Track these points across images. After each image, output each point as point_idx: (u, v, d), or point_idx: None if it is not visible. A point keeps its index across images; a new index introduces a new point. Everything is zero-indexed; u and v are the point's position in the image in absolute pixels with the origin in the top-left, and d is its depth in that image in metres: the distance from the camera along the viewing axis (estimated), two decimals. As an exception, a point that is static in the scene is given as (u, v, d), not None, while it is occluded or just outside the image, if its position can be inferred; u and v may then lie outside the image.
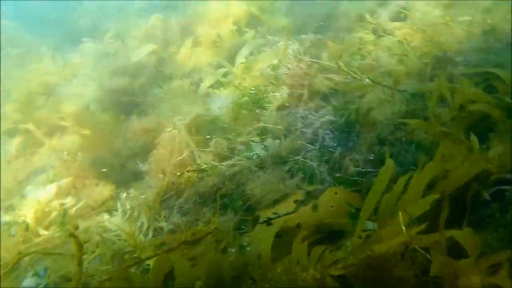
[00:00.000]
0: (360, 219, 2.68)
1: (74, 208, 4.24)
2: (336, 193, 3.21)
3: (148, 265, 3.10)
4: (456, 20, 4.64)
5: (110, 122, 5.21)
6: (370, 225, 2.91)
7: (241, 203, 3.44)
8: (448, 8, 4.97)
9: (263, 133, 4.35)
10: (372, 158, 3.41)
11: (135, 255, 3.21)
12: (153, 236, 3.43)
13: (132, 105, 5.41)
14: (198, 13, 7.16)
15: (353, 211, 3.03)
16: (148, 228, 3.51)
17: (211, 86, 5.26)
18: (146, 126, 4.73)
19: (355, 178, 3.31)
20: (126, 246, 3.29)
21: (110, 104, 5.51)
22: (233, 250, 2.79)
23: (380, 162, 3.38)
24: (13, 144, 5.62)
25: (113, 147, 4.77)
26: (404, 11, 4.99)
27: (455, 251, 2.31)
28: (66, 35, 8.76)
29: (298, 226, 3.11)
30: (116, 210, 4.03)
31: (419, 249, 2.25)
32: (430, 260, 2.24)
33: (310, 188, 3.46)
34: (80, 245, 2.61)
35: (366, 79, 4.21)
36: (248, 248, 3.00)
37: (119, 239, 3.40)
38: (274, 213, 3.19)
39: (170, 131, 4.38)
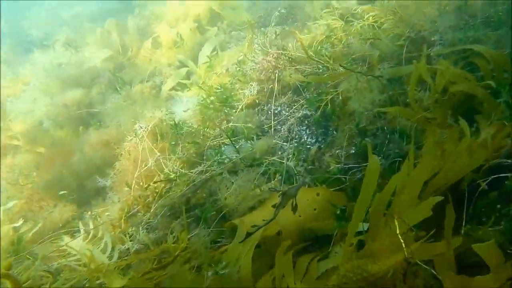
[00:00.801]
0: (352, 225, 2.39)
1: (31, 233, 3.81)
2: (318, 194, 2.92)
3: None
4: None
5: (66, 138, 4.78)
6: (361, 226, 2.65)
7: (214, 213, 3.11)
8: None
9: (233, 134, 4.04)
10: (353, 151, 3.14)
11: (99, 281, 2.85)
12: (119, 258, 3.06)
13: (89, 116, 4.99)
14: (155, 14, 6.81)
15: (338, 212, 2.75)
16: (112, 249, 3.14)
17: (174, 88, 4.91)
18: (105, 138, 4.34)
19: (338, 176, 3.02)
20: (88, 272, 2.91)
21: (65, 119, 5.07)
22: (209, 273, 2.44)
23: (363, 155, 3.13)
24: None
25: (71, 164, 4.35)
26: (372, -7, 4.76)
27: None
28: (16, 46, 8.22)
29: (279, 233, 2.81)
30: (79, 231, 3.63)
31: (421, 263, 1.96)
32: (436, 276, 1.95)
33: (284, 187, 3.16)
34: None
35: (339, 67, 3.95)
36: (225, 264, 2.67)
37: (79, 265, 3.02)
38: (253, 226, 2.86)
39: (131, 139, 4.00)
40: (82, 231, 3.47)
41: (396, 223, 2.13)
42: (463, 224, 2.41)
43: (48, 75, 5.87)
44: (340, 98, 3.72)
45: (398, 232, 2.04)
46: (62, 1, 9.31)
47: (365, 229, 2.61)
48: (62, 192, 4.13)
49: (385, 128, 3.21)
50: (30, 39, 8.41)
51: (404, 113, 3.23)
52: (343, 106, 3.62)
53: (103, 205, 3.81)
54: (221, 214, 3.12)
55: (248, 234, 2.76)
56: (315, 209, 2.87)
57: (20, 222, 3.78)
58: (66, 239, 3.45)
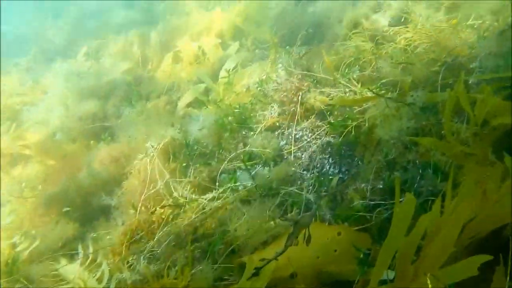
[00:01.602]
0: (375, 272, 2.08)
1: (27, 252, 3.60)
2: (339, 233, 2.62)
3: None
4: (463, 23, 4.14)
5: (77, 151, 4.62)
6: (386, 274, 2.34)
7: (222, 246, 2.83)
8: (451, 10, 4.48)
9: (250, 158, 3.78)
10: (381, 186, 2.83)
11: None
12: (116, 289, 2.81)
13: (102, 129, 4.82)
14: (178, 27, 6.68)
15: (361, 256, 2.44)
16: (109, 279, 2.88)
17: (191, 105, 4.69)
18: (115, 154, 4.14)
19: (362, 213, 2.72)
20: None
21: (78, 132, 4.92)
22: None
23: (391, 191, 2.82)
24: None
25: (79, 179, 4.15)
26: (405, 14, 4.48)
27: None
28: (39, 54, 8.23)
29: (293, 275, 2.52)
30: (78, 253, 3.40)
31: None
32: None
33: (296, 216, 2.87)
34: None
35: (367, 92, 3.67)
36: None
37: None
38: (262, 259, 2.57)
39: (142, 158, 3.78)
40: (80, 254, 3.24)
41: (429, 281, 1.82)
42: (507, 279, 2.08)
43: (67, 85, 5.77)
44: (367, 125, 3.43)
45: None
46: (88, 11, 9.35)
47: (391, 277, 2.30)
48: (66, 209, 3.93)
49: (417, 162, 2.90)
50: (54, 47, 8.42)
51: (439, 146, 2.92)
52: (369, 133, 3.33)
53: (106, 227, 3.58)
54: (230, 248, 2.84)
55: (257, 269, 2.48)
56: (335, 251, 2.57)
57: (15, 238, 3.57)
58: (63, 261, 3.22)
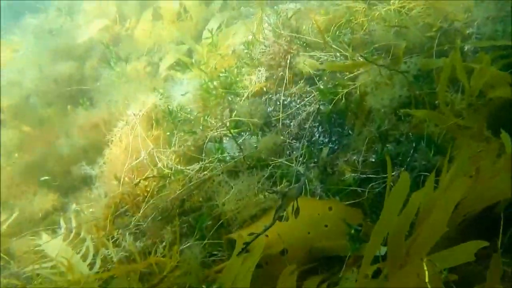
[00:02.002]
0: (368, 252, 2.06)
1: (6, 224, 3.49)
2: (330, 208, 2.58)
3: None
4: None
5: (54, 117, 4.41)
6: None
7: (210, 222, 2.77)
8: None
9: (237, 126, 3.67)
10: (373, 160, 2.77)
11: (76, 296, 2.54)
12: (101, 267, 2.74)
13: (80, 93, 4.60)
14: (158, -19, 6.28)
15: (353, 232, 2.41)
16: (94, 256, 2.82)
17: (173, 68, 4.48)
18: (94, 120, 3.97)
19: (353, 187, 2.67)
20: (65, 284, 2.60)
21: (54, 96, 4.67)
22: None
23: (383, 164, 2.76)
24: None
25: (57, 147, 3.99)
26: (399, -26, 4.27)
27: None
28: (6, 8, 7.73)
29: (283, 252, 2.48)
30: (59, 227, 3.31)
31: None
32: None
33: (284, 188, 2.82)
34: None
35: (359, 57, 3.55)
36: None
37: (54, 273, 2.70)
38: (251, 234, 2.52)
39: (123, 126, 3.63)
40: (62, 229, 3.14)
41: (425, 264, 1.79)
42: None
43: (38, 43, 5.44)
44: (358, 92, 3.33)
45: (427, 280, 1.70)
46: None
47: (382, 253, 2.29)
48: (44, 178, 3.79)
49: (410, 134, 2.84)
50: (22, 1, 7.91)
51: (433, 118, 2.85)
52: (360, 102, 3.23)
53: (88, 199, 3.48)
54: (218, 223, 2.78)
55: (246, 244, 2.44)
56: (326, 226, 2.54)
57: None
58: (45, 236, 3.13)
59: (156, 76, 4.52)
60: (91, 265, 2.75)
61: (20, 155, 4.12)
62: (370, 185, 2.65)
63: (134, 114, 3.54)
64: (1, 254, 3.18)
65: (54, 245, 3.01)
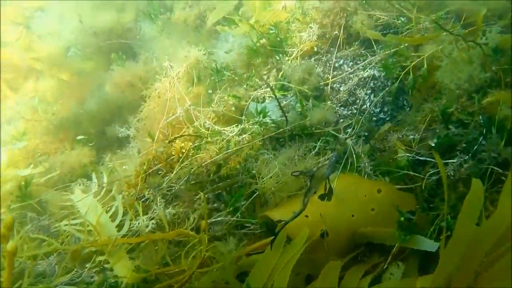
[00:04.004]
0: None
1: (44, 178, 3.52)
2: (379, 191, 2.37)
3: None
4: None
5: (94, 71, 4.36)
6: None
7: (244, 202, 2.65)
8: None
9: (283, 88, 3.47)
10: (433, 145, 2.48)
11: (101, 258, 2.53)
12: (129, 231, 2.70)
13: (120, 47, 4.49)
14: None
15: (403, 219, 2.20)
16: (123, 216, 2.77)
17: (220, 23, 4.26)
18: (132, 76, 3.87)
19: (408, 172, 2.42)
20: (92, 244, 2.58)
21: (94, 49, 4.59)
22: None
23: (443, 149, 2.47)
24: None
25: (93, 103, 3.97)
26: None
27: None
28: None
29: (323, 235, 2.31)
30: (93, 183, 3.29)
31: None
32: None
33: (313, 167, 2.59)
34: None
35: (425, 22, 3.20)
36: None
37: (80, 231, 2.69)
38: (278, 221, 2.36)
39: (161, 81, 3.51)
40: (95, 186, 3.12)
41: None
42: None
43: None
44: (425, 66, 2.96)
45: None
46: None
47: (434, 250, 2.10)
48: (81, 137, 3.79)
49: (481, 117, 2.50)
50: None
51: (507, 100, 2.50)
52: (428, 77, 2.89)
53: (122, 156, 3.44)
54: (254, 195, 2.65)
55: (275, 235, 2.28)
56: (372, 210, 2.34)
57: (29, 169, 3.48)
58: (77, 191, 3.12)
59: (201, 31, 4.32)
60: (119, 228, 2.71)
61: (57, 109, 4.11)
62: (428, 173, 2.37)
63: (171, 66, 3.41)
64: (34, 205, 3.22)
65: (84, 201, 2.99)
